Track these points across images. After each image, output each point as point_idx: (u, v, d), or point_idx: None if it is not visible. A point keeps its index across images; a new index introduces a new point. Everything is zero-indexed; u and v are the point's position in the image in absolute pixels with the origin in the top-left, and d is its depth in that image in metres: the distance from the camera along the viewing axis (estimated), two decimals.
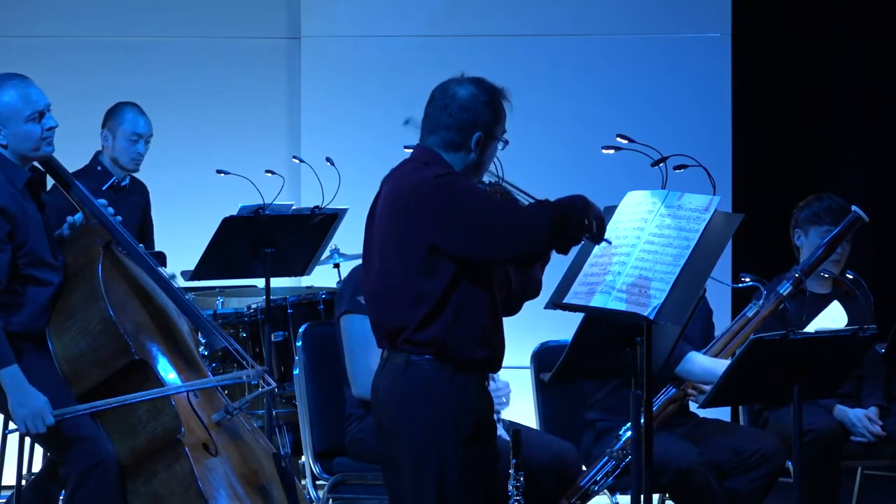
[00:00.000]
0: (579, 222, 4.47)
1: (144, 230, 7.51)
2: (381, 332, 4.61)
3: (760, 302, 5.81)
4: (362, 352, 5.79)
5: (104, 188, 7.19)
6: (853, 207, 5.78)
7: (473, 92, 4.59)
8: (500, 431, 5.33)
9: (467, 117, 4.57)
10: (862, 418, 6.27)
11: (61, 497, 5.46)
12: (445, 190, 4.48)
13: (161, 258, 6.64)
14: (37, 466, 6.52)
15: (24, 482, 6.29)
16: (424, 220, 4.48)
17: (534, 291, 4.76)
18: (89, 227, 5.51)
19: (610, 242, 4.60)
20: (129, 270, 5.51)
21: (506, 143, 4.66)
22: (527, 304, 4.91)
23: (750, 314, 5.81)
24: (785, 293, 5.82)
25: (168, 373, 5.41)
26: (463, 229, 4.45)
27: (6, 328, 5.22)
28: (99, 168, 7.31)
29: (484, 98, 4.59)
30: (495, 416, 4.83)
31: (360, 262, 6.13)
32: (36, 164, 5.42)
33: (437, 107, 4.61)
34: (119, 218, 5.55)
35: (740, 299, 6.02)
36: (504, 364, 4.66)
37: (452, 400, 4.50)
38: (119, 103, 7.42)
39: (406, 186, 4.55)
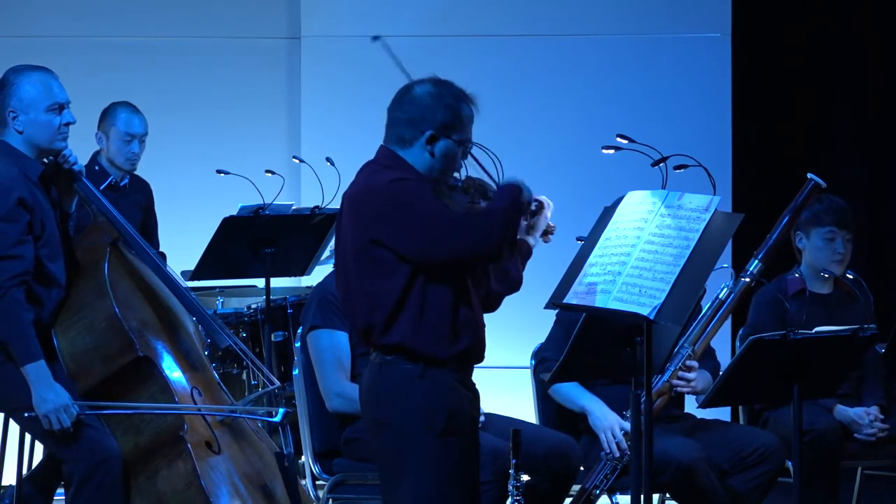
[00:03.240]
0: (523, 213, 4.58)
1: (147, 229, 7.51)
2: (357, 334, 4.63)
3: (730, 283, 5.80)
4: (331, 368, 5.82)
5: (101, 188, 7.18)
6: (809, 175, 5.74)
7: (429, 90, 4.59)
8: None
9: (417, 113, 4.56)
10: (862, 414, 6.27)
11: (60, 495, 5.47)
12: (398, 195, 4.47)
13: (162, 259, 6.64)
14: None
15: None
16: (379, 224, 4.48)
17: (515, 286, 4.75)
18: (97, 225, 5.53)
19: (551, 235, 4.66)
20: (135, 268, 5.53)
21: (471, 146, 4.62)
22: (527, 305, 4.92)
23: (722, 296, 5.78)
24: (755, 270, 5.78)
25: (173, 371, 5.42)
26: (414, 235, 4.45)
27: None
28: (96, 168, 7.30)
29: (439, 98, 4.57)
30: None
31: (327, 274, 6.17)
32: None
33: (394, 103, 4.64)
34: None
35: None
36: (504, 364, 4.67)
37: (423, 396, 4.51)
38: (113, 103, 7.41)
39: (362, 190, 4.56)
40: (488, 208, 4.57)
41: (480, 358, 4.64)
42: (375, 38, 4.92)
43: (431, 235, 4.44)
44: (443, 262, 4.47)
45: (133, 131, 7.31)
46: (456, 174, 4.69)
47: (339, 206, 6.26)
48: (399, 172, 4.53)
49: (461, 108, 4.59)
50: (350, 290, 4.59)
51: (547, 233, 4.76)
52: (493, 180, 4.67)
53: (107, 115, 7.36)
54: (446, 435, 4.51)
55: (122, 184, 7.37)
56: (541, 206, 4.71)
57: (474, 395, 4.65)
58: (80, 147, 5.69)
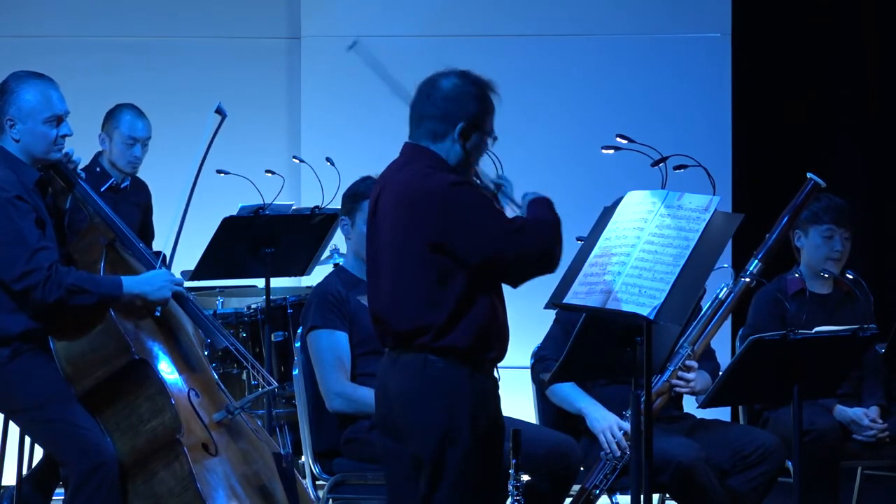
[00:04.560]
0: None
1: (145, 231, 7.51)
2: (392, 334, 4.58)
3: (730, 283, 5.80)
4: (331, 368, 5.82)
5: (102, 189, 7.18)
6: (808, 174, 5.74)
7: (457, 83, 4.57)
8: None
9: (451, 107, 4.55)
10: (862, 415, 6.27)
11: (59, 494, 5.47)
12: (462, 201, 4.46)
13: (158, 258, 6.64)
14: None
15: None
16: (440, 228, 4.46)
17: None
18: (93, 226, 5.53)
19: None
20: (132, 269, 5.52)
21: (494, 138, 4.64)
22: (527, 305, 4.91)
23: (722, 296, 5.79)
24: (755, 270, 5.78)
25: (169, 373, 5.41)
26: (480, 243, 4.45)
27: (10, 329, 5.25)
28: (98, 169, 7.31)
29: (469, 89, 4.57)
30: None
31: (327, 274, 6.17)
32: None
33: (421, 98, 4.60)
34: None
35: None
36: (503, 364, 4.67)
37: (472, 397, 4.51)
38: (118, 105, 7.41)
39: (418, 191, 4.51)
40: (540, 217, 4.55)
41: (503, 358, 4.66)
42: (352, 45, 4.90)
43: (497, 244, 4.44)
44: (502, 265, 4.48)
45: (136, 135, 7.32)
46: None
47: (339, 206, 6.33)
48: (453, 175, 4.51)
49: (488, 98, 4.60)
50: (395, 293, 4.55)
51: None
52: (502, 177, 4.69)
53: (111, 117, 7.36)
54: (487, 438, 4.52)
55: (122, 185, 7.38)
56: None
57: (499, 400, 4.67)
58: (81, 147, 5.69)
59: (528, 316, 5.13)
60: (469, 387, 4.51)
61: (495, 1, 9.01)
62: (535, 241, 4.49)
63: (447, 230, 4.45)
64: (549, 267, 4.54)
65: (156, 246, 7.49)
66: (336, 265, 7.72)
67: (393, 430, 4.61)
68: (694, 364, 5.86)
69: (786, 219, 5.81)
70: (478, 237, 4.45)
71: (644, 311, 4.47)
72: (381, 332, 4.63)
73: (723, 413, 7.32)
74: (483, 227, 4.46)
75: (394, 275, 4.56)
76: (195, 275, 7.08)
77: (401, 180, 4.58)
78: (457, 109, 4.55)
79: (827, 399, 6.23)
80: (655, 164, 5.33)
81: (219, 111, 5.66)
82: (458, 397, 4.50)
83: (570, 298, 4.63)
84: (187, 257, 7.12)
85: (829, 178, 5.80)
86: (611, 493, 5.89)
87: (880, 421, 6.27)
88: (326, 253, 7.54)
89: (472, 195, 4.50)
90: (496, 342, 4.55)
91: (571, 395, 5.96)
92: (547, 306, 4.73)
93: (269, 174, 7.52)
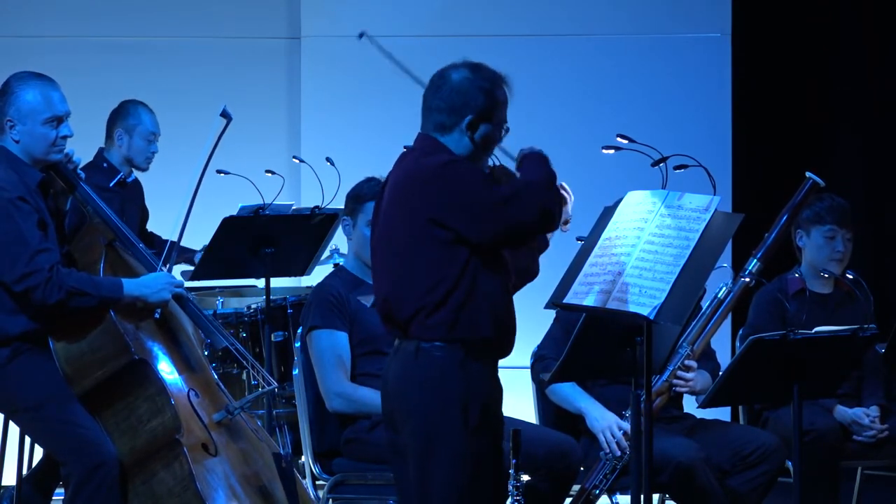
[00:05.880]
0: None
1: (142, 223, 7.54)
2: (394, 322, 4.59)
3: (729, 283, 5.80)
4: (332, 368, 5.82)
5: (111, 184, 7.20)
6: (808, 174, 5.74)
7: (467, 76, 4.59)
8: None
9: (458, 100, 4.57)
10: (862, 415, 6.27)
11: (59, 494, 5.47)
12: (454, 176, 4.48)
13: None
14: None
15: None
16: (436, 205, 4.47)
17: (533, 274, 4.76)
18: (92, 226, 5.53)
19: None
20: (131, 269, 5.52)
21: (506, 130, 4.65)
22: (527, 304, 4.90)
23: (721, 296, 5.79)
24: (754, 269, 5.78)
25: (169, 373, 5.41)
26: (475, 214, 4.46)
27: (10, 329, 5.25)
28: (105, 165, 7.32)
29: (478, 83, 4.59)
30: None
31: (327, 274, 6.17)
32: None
33: (431, 90, 4.63)
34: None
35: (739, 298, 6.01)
36: (503, 363, 4.66)
37: (462, 386, 4.49)
38: (128, 102, 7.43)
39: (411, 174, 4.54)
40: (531, 179, 4.57)
41: (510, 350, 4.65)
42: (361, 35, 4.92)
43: (492, 212, 4.46)
44: (504, 236, 4.50)
45: (156, 130, 7.39)
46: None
47: (342, 206, 6.34)
48: (447, 156, 4.53)
49: (497, 91, 4.62)
50: (395, 277, 4.55)
51: (565, 222, 4.77)
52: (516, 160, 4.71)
53: (127, 114, 7.38)
54: (480, 431, 4.50)
55: (129, 180, 7.40)
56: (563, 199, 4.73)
57: (501, 391, 4.65)
58: (81, 147, 5.69)
59: (528, 316, 5.12)
60: (460, 374, 4.49)
61: (495, 1, 9.01)
62: (526, 208, 4.48)
63: (443, 207, 4.46)
64: (548, 227, 4.56)
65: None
66: (336, 265, 7.72)
67: (391, 420, 4.63)
68: (693, 364, 5.86)
69: (785, 218, 5.81)
70: (470, 213, 4.46)
71: (644, 311, 4.47)
72: (386, 323, 4.64)
73: (723, 413, 7.32)
74: (474, 203, 4.46)
75: (392, 262, 4.56)
76: (195, 275, 7.08)
77: (401, 167, 4.62)
78: (465, 103, 4.57)
79: (827, 399, 6.23)
80: (655, 164, 5.32)
81: (224, 114, 5.65)
82: (449, 385, 4.48)
83: (570, 298, 4.63)
84: None
85: (829, 178, 5.79)
86: (611, 493, 5.89)
87: (879, 423, 6.27)
88: (326, 253, 7.54)
89: (465, 172, 4.50)
90: (492, 325, 4.52)
91: (571, 394, 5.96)
92: (547, 306, 4.73)
93: (269, 174, 7.52)
